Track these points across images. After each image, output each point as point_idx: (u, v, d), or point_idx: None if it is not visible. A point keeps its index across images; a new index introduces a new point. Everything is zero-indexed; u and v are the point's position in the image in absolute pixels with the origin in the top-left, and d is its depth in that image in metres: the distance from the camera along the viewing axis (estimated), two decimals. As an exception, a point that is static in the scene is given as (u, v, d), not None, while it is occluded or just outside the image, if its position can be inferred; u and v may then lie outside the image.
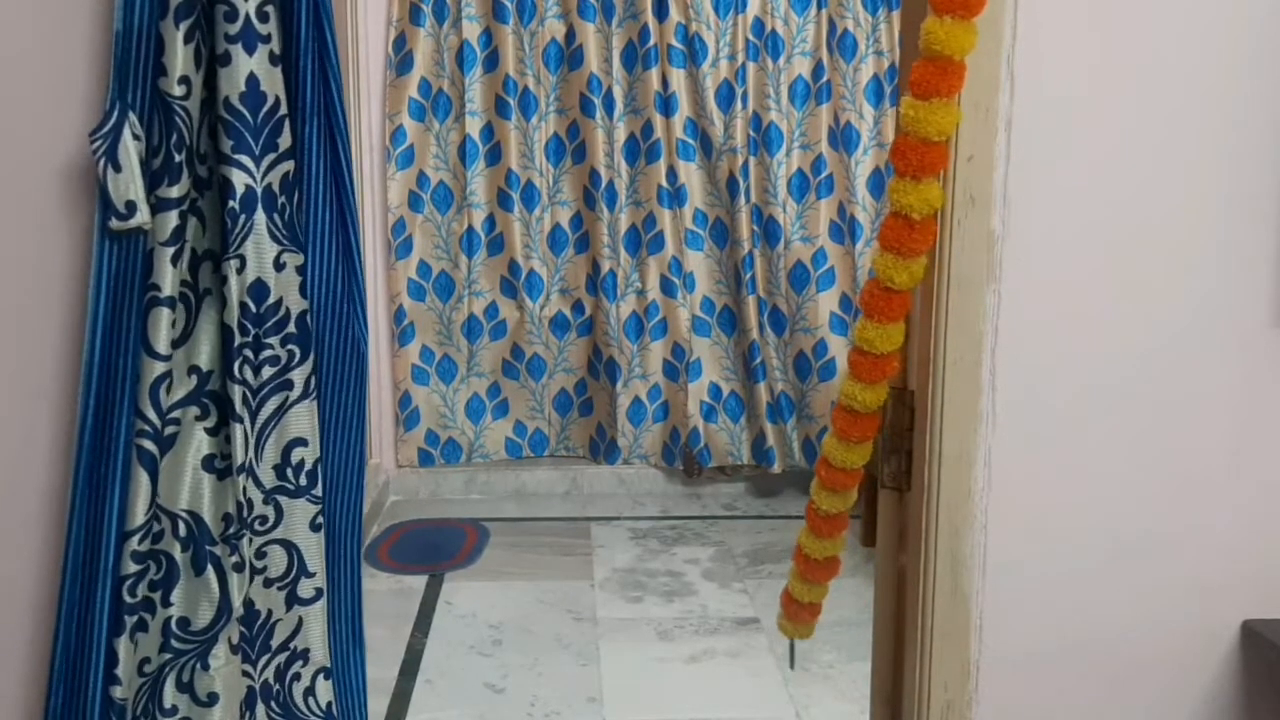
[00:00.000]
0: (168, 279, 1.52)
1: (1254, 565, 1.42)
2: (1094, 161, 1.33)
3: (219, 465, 1.61)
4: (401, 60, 4.12)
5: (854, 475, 1.40)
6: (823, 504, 1.42)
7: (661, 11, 4.08)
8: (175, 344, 1.56)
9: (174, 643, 1.59)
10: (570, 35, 4.14)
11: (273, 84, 1.53)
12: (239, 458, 1.59)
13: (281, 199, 1.57)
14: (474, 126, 4.18)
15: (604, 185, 4.19)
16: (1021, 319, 1.35)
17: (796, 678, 2.95)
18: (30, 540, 1.57)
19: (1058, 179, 1.33)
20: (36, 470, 1.56)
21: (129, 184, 1.48)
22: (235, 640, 1.64)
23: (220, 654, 1.62)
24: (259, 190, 1.55)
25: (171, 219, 1.51)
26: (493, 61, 4.16)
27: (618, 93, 4.17)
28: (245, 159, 1.53)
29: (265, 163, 1.54)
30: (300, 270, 1.61)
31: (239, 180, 1.53)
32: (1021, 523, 1.39)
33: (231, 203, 1.53)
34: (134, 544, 1.54)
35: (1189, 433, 1.38)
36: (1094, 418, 1.38)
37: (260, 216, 1.55)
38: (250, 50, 1.51)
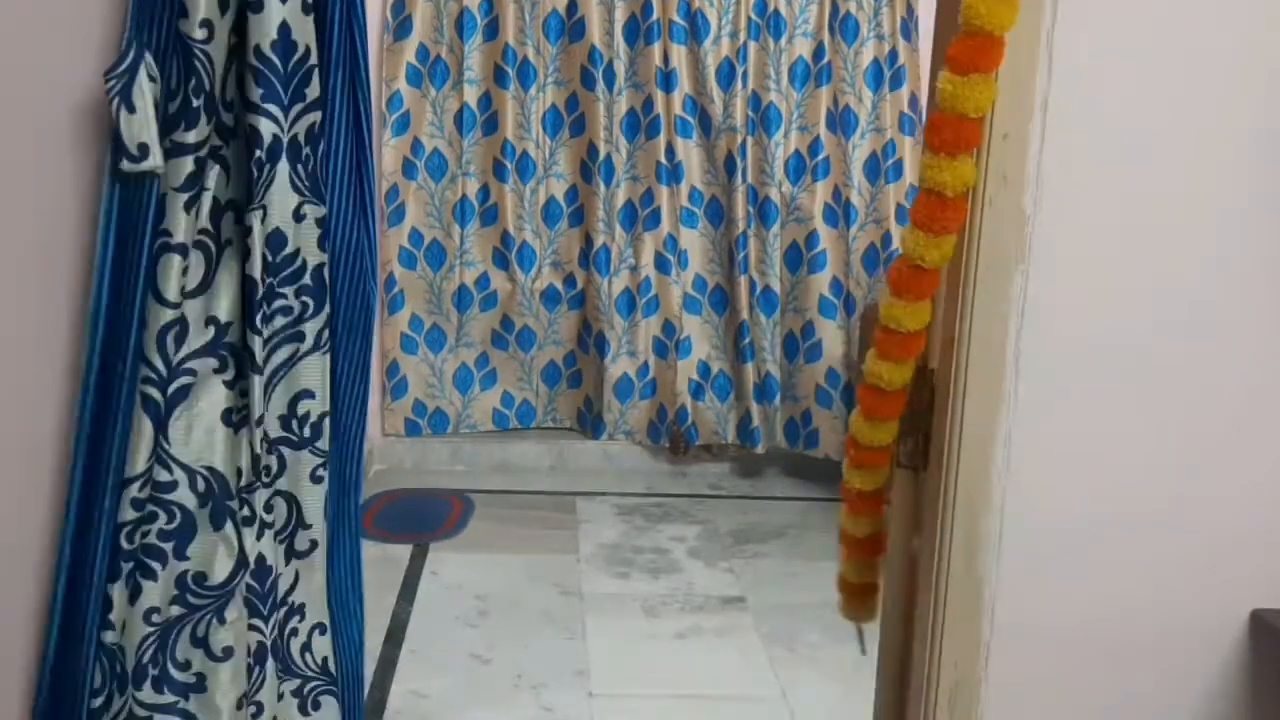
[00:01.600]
0: (180, 226, 1.49)
1: (1266, 553, 1.42)
2: (1129, 144, 1.32)
3: (235, 419, 1.59)
4: (400, 25, 4.08)
5: (882, 453, 1.40)
6: (854, 482, 1.42)
7: (665, -14, 4.05)
8: (193, 294, 1.53)
9: (190, 598, 1.57)
10: (572, 7, 4.11)
11: (304, 33, 1.51)
12: (256, 410, 1.56)
13: (306, 150, 1.55)
14: (471, 95, 4.15)
15: (601, 159, 4.16)
16: (1049, 300, 1.34)
17: (782, 658, 2.96)
18: (39, 485, 1.54)
19: (1091, 160, 1.32)
20: (47, 412, 1.53)
21: (142, 126, 1.44)
22: (245, 595, 1.63)
23: (235, 609, 1.60)
24: (285, 140, 1.52)
25: (186, 164, 1.48)
26: (492, 30, 4.12)
27: (618, 66, 4.13)
28: (273, 108, 1.50)
29: (293, 113, 1.52)
30: (320, 223, 1.59)
31: (266, 129, 1.50)
32: (1039, 504, 1.39)
33: (258, 152, 1.51)
34: (134, 491, 1.52)
35: (1215, 419, 1.38)
36: (1118, 401, 1.37)
37: (284, 166, 1.53)
38: (283, -3, 1.49)
